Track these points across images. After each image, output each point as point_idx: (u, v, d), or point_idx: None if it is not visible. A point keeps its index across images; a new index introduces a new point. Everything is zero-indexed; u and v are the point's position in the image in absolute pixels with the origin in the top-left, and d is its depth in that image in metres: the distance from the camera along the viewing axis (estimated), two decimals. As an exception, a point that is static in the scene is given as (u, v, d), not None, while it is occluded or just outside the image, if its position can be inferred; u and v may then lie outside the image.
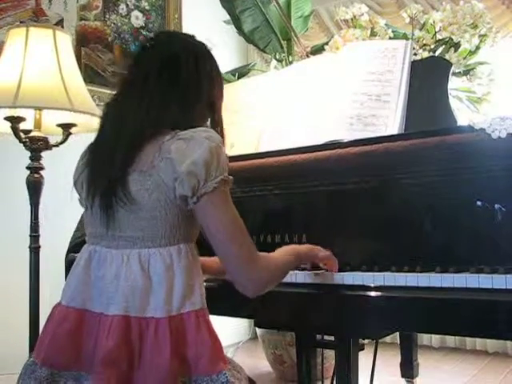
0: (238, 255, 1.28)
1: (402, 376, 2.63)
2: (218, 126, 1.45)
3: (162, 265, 1.26)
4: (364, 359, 1.78)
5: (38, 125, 2.38)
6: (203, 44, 1.48)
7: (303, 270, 1.59)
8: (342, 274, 1.50)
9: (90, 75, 3.65)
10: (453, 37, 2.32)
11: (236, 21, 3.48)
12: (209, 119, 1.46)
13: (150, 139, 1.29)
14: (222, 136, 1.41)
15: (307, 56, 2.83)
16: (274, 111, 2.03)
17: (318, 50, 2.96)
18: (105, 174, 1.30)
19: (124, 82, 1.43)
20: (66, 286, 1.35)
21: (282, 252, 1.45)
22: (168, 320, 1.22)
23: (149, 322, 1.23)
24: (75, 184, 1.42)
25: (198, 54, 1.42)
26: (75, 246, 2.01)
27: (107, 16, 3.84)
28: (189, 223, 1.30)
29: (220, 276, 1.50)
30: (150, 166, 1.26)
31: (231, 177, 1.30)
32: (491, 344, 4.01)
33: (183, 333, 1.24)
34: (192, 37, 1.48)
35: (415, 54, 2.25)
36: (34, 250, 2.44)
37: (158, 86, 1.35)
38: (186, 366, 1.23)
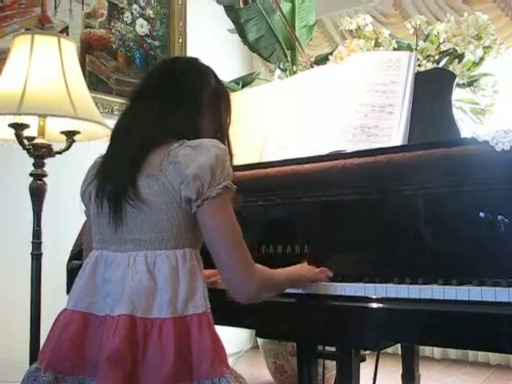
0: (233, 260, 1.31)
1: (404, 387, 2.62)
2: (223, 140, 1.49)
3: (167, 267, 1.29)
4: (365, 370, 1.77)
5: (41, 132, 2.38)
6: (205, 65, 1.57)
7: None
8: (343, 284, 1.49)
9: (95, 82, 3.66)
10: (457, 48, 2.32)
11: (240, 30, 3.49)
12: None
13: (158, 147, 1.34)
14: (229, 150, 1.45)
15: (311, 66, 2.83)
16: (278, 121, 2.03)
17: (322, 59, 2.97)
18: (113, 180, 1.34)
19: (133, 97, 1.49)
20: (72, 291, 1.38)
21: (279, 271, 1.47)
22: (173, 321, 1.25)
23: (154, 323, 1.25)
24: (82, 195, 1.48)
25: (195, 68, 1.51)
26: (77, 254, 2.01)
27: (112, 24, 3.85)
28: (194, 229, 1.34)
29: (213, 286, 1.52)
30: (157, 170, 1.30)
31: (235, 186, 1.34)
32: (493, 356, 3.98)
33: (187, 335, 1.26)
34: (195, 58, 1.57)
35: (419, 65, 2.25)
36: (36, 257, 2.44)
37: (165, 99, 1.42)
38: (189, 369, 1.25)
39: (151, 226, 1.30)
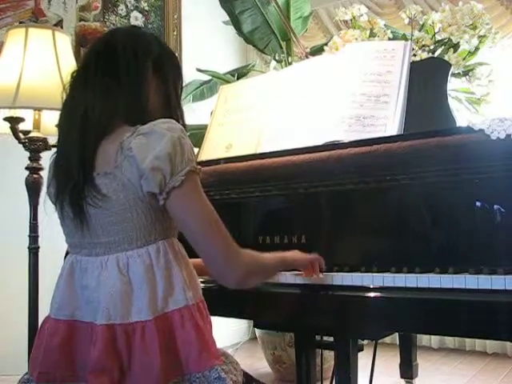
0: (217, 248, 1.25)
1: (402, 377, 2.63)
2: (176, 111, 1.39)
3: (141, 266, 1.23)
4: (363, 360, 1.78)
5: (37, 125, 2.38)
6: (146, 32, 1.47)
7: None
8: (341, 274, 1.50)
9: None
10: (452, 37, 2.32)
11: (235, 21, 3.48)
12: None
13: (109, 136, 1.26)
14: (184, 123, 1.37)
15: (306, 57, 2.83)
16: (273, 112, 2.03)
17: (317, 50, 2.97)
18: (70, 182, 1.27)
19: (73, 79, 1.38)
20: (53, 299, 1.34)
21: (268, 254, 1.43)
22: (153, 321, 1.20)
23: (135, 327, 1.20)
24: (48, 194, 1.40)
25: (135, 41, 1.38)
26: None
27: (106, 17, 3.84)
28: (164, 219, 1.27)
29: (204, 275, 1.47)
30: (113, 167, 1.22)
31: (199, 166, 1.27)
32: (490, 345, 4.01)
33: (171, 331, 1.22)
34: (134, 26, 1.49)
35: (414, 55, 2.25)
36: (33, 251, 2.44)
37: (100, 80, 1.31)
38: (179, 365, 1.22)
39: (118, 228, 1.23)
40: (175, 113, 1.39)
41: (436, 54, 2.34)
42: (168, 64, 1.42)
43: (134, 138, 1.22)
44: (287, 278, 1.57)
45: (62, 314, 1.29)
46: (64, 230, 1.37)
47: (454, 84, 2.33)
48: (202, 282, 1.42)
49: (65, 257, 2.07)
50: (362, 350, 1.70)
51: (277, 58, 3.36)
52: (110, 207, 1.23)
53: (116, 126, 1.27)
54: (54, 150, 2.38)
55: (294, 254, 1.51)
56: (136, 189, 1.22)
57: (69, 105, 1.35)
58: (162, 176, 1.19)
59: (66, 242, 1.38)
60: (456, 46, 2.33)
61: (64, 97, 1.37)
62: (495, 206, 1.39)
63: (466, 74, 2.39)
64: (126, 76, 1.32)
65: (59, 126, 1.37)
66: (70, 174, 1.27)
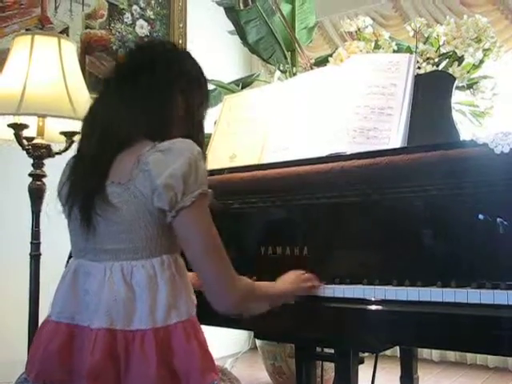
0: (215, 273, 1.26)
1: (402, 390, 2.62)
2: (197, 134, 1.41)
3: (145, 277, 1.24)
4: (364, 372, 1.77)
5: (41, 132, 2.38)
6: (183, 51, 1.49)
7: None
8: (342, 287, 1.49)
9: (94, 83, 3.64)
10: (456, 51, 2.32)
11: (240, 31, 3.49)
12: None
13: (128, 149, 1.28)
14: (202, 145, 1.40)
15: (311, 67, 2.84)
16: (277, 122, 2.03)
17: (321, 61, 2.97)
18: (83, 187, 1.29)
19: (104, 86, 1.42)
20: (54, 301, 1.34)
21: (269, 284, 1.45)
22: (153, 332, 1.21)
23: (135, 335, 1.21)
24: (59, 195, 1.41)
25: (171, 59, 1.41)
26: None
27: (112, 25, 3.85)
28: (170, 235, 1.28)
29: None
30: (127, 179, 1.24)
31: (210, 190, 1.28)
32: (492, 359, 3.98)
33: (169, 344, 1.22)
34: (172, 44, 1.49)
35: (419, 68, 2.25)
36: (35, 258, 2.44)
37: (130, 92, 1.34)
38: (176, 379, 1.22)
39: (125, 237, 1.25)
40: (196, 135, 1.40)
41: (440, 67, 2.34)
42: (198, 86, 1.44)
43: (152, 154, 1.24)
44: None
45: (63, 316, 1.29)
46: (70, 233, 1.38)
47: (457, 97, 2.33)
48: (200, 293, 1.43)
49: (66, 264, 2.08)
50: (362, 362, 1.69)
51: (281, 68, 3.36)
52: (118, 218, 1.24)
53: (136, 139, 1.29)
54: (58, 157, 2.40)
55: (294, 287, 1.51)
56: (147, 202, 1.23)
57: (95, 111, 1.38)
58: (173, 194, 1.21)
59: (71, 245, 1.39)
60: (460, 59, 2.33)
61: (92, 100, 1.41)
62: (498, 220, 1.39)
63: (470, 87, 2.39)
64: (157, 93, 1.34)
65: (82, 130, 1.40)
66: (84, 180, 1.30)
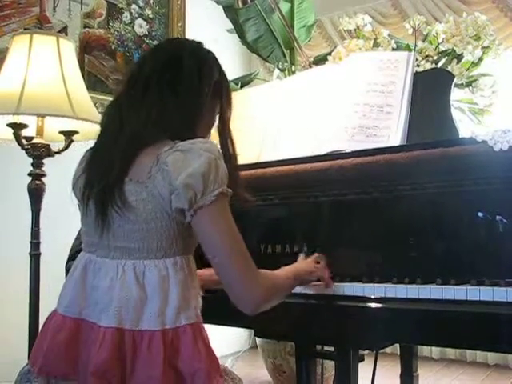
0: (236, 272, 1.25)
1: (402, 387, 2.62)
2: (225, 137, 1.41)
3: (157, 277, 1.24)
4: (364, 370, 1.77)
5: (40, 132, 2.38)
6: (210, 52, 1.46)
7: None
8: (342, 284, 1.49)
9: (93, 82, 3.65)
10: (455, 48, 2.32)
11: (239, 30, 3.49)
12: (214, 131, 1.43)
13: (148, 148, 1.26)
14: (228, 148, 1.39)
15: (310, 66, 2.83)
16: (276, 121, 2.03)
17: (320, 60, 2.96)
18: (100, 181, 1.27)
19: (126, 84, 1.39)
20: (62, 295, 1.34)
21: (283, 272, 1.43)
22: (162, 333, 1.21)
23: (143, 335, 1.21)
24: (73, 188, 1.40)
25: (202, 60, 1.39)
26: (75, 254, 2.00)
27: (111, 24, 3.85)
28: (186, 236, 1.28)
29: (220, 287, 1.48)
30: (146, 177, 1.23)
31: (230, 190, 1.27)
32: (492, 356, 3.99)
33: (177, 347, 1.22)
34: (199, 43, 1.45)
35: (418, 66, 2.25)
36: (35, 257, 2.44)
37: (158, 90, 1.32)
38: (181, 380, 1.21)
39: (139, 236, 1.24)
40: (224, 138, 1.41)
41: (439, 65, 2.35)
42: (224, 90, 1.44)
43: (172, 154, 1.22)
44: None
45: (70, 311, 1.29)
46: (83, 227, 1.38)
47: (457, 94, 2.33)
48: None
49: (66, 264, 2.08)
50: (362, 360, 1.69)
51: (280, 66, 3.36)
52: (134, 216, 1.24)
53: (159, 139, 1.28)
54: (57, 156, 2.40)
55: (306, 268, 1.51)
56: (165, 202, 1.22)
57: (123, 106, 1.35)
58: (193, 193, 1.20)
59: (82, 239, 1.38)
60: (459, 57, 2.33)
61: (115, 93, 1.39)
62: (497, 218, 1.39)
63: (469, 84, 2.39)
64: (186, 95, 1.33)
65: (105, 122, 1.38)
66: (104, 174, 1.27)
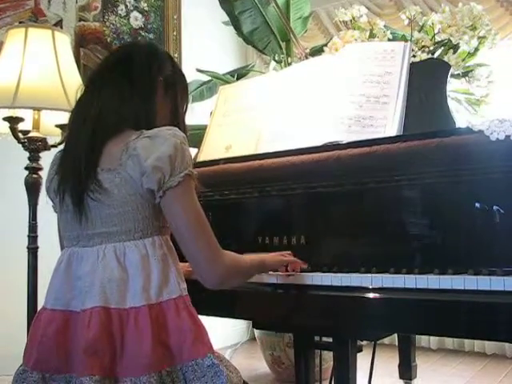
0: (201, 249, 1.31)
1: (400, 377, 2.63)
2: (180, 127, 1.45)
3: (137, 256, 1.29)
4: (362, 361, 1.77)
5: (36, 125, 2.38)
6: (161, 49, 1.59)
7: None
8: (340, 275, 1.50)
9: (89, 76, 3.64)
10: (452, 39, 2.32)
11: (235, 22, 3.48)
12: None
13: (114, 137, 1.34)
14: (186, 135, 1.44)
15: (306, 57, 2.83)
16: (273, 113, 2.03)
17: (317, 51, 2.96)
18: (74, 175, 1.33)
19: (88, 82, 1.49)
20: (49, 290, 1.37)
21: (248, 256, 1.49)
22: (148, 308, 1.25)
23: (129, 312, 1.25)
24: (48, 191, 1.47)
25: (151, 54, 1.49)
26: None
27: (106, 17, 3.83)
28: (159, 217, 1.34)
29: (194, 277, 1.50)
30: (117, 164, 1.30)
31: (195, 172, 1.34)
32: (489, 346, 4.00)
33: (164, 321, 1.26)
34: (151, 43, 1.57)
35: (414, 56, 2.25)
36: (33, 251, 2.44)
37: (113, 82, 1.41)
38: (170, 355, 1.25)
39: (117, 220, 1.30)
40: (179, 126, 1.45)
41: (436, 55, 2.34)
42: (177, 83, 1.52)
43: (140, 140, 1.30)
44: (286, 278, 1.58)
45: (58, 304, 1.33)
46: (61, 224, 1.44)
47: (453, 85, 2.33)
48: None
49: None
50: (361, 350, 1.69)
51: (276, 58, 3.36)
52: (111, 201, 1.30)
53: (123, 130, 1.35)
54: (54, 150, 2.39)
55: (273, 255, 1.58)
56: (137, 185, 1.29)
57: (83, 104, 1.44)
58: (161, 175, 1.27)
59: (63, 236, 1.43)
60: (456, 47, 2.33)
61: (78, 95, 1.47)
62: (494, 207, 1.40)
63: (465, 75, 2.39)
64: (139, 87, 1.41)
65: (70, 123, 1.45)
66: (75, 168, 1.33)
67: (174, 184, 1.28)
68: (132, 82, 1.41)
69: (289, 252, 1.62)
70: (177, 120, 1.49)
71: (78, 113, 1.43)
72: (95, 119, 1.36)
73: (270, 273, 1.60)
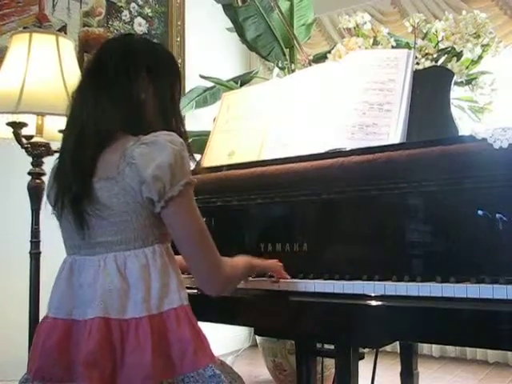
0: (202, 260, 1.32)
1: (402, 385, 2.62)
2: (173, 119, 1.44)
3: (138, 266, 1.28)
4: (364, 368, 1.77)
5: (39, 130, 2.38)
6: (140, 40, 1.52)
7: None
8: (342, 282, 1.49)
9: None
10: (455, 46, 2.32)
11: (239, 28, 3.49)
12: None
13: (110, 146, 1.31)
14: (182, 130, 1.43)
15: (309, 64, 2.83)
16: (276, 119, 2.03)
17: (320, 58, 2.97)
18: (70, 189, 1.32)
19: (74, 91, 1.47)
20: (51, 299, 1.37)
21: (240, 260, 1.50)
22: (148, 319, 1.24)
23: (129, 323, 1.24)
24: (48, 198, 1.45)
25: (126, 52, 1.43)
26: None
27: (110, 22, 3.85)
28: (160, 224, 1.32)
29: (187, 271, 1.53)
30: (115, 173, 1.28)
31: (195, 180, 1.33)
32: (492, 354, 3.99)
33: (165, 331, 1.25)
34: (128, 36, 1.53)
35: (417, 64, 2.25)
36: (35, 256, 2.44)
37: (91, 90, 1.38)
38: (171, 366, 1.24)
39: (117, 229, 1.29)
40: (173, 119, 1.44)
41: (439, 63, 2.34)
42: (162, 70, 1.46)
43: (137, 147, 1.27)
44: (288, 285, 1.57)
45: (60, 313, 1.32)
46: (62, 232, 1.42)
47: (456, 92, 2.33)
48: (197, 289, 1.48)
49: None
50: (362, 358, 1.69)
51: (280, 65, 3.37)
52: (109, 212, 1.28)
53: (116, 136, 1.33)
54: (57, 155, 2.39)
55: (258, 260, 1.59)
56: (136, 194, 1.27)
57: (71, 113, 1.42)
58: (162, 184, 1.25)
59: (64, 243, 1.41)
60: (459, 55, 2.33)
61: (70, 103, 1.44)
62: (497, 215, 1.39)
63: (468, 82, 2.39)
64: (117, 88, 1.37)
65: (63, 132, 1.43)
66: (67, 180, 1.33)
67: (174, 194, 1.26)
68: (108, 85, 1.37)
69: (276, 260, 1.63)
70: (173, 112, 1.45)
71: (67, 121, 1.42)
72: (80, 127, 1.34)
73: (273, 279, 1.60)
